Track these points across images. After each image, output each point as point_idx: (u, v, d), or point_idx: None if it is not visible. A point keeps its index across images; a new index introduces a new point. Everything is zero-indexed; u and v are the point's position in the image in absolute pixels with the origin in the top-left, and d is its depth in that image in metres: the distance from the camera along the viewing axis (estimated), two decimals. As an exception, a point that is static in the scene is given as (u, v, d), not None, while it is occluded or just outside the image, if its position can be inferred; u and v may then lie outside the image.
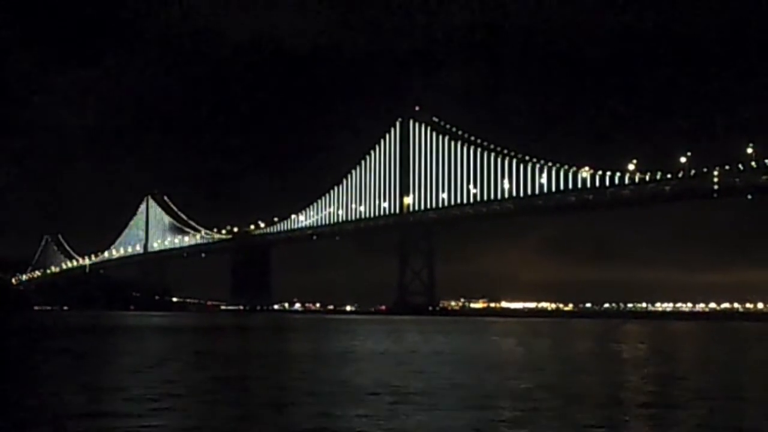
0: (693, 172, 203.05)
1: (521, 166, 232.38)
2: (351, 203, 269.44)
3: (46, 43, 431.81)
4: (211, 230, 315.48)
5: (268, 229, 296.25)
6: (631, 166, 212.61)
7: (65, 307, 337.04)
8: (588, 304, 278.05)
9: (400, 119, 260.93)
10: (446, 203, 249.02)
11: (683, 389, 33.37)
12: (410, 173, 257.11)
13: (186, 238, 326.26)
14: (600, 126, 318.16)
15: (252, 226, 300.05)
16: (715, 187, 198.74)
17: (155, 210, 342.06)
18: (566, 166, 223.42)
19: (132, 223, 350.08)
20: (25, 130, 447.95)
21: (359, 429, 22.65)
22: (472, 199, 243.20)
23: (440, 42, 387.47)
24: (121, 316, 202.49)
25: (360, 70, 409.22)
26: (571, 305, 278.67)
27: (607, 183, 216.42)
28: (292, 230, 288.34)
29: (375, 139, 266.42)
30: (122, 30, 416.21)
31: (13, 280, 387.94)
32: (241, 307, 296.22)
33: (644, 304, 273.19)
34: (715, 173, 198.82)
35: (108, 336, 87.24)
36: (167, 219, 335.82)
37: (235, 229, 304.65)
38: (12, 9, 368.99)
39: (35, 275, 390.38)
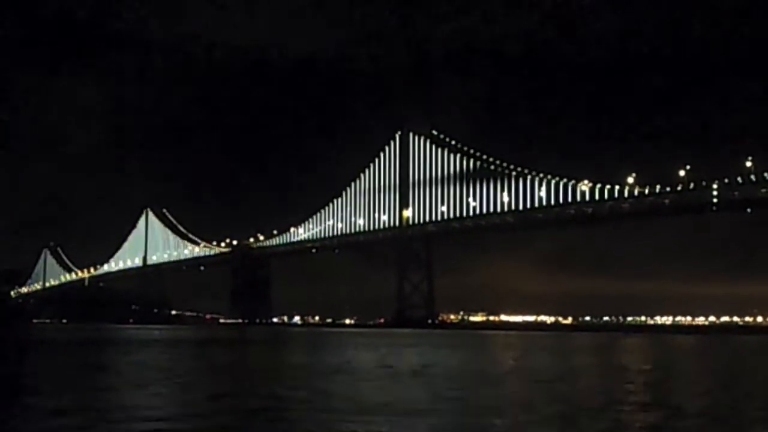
0: (692, 185, 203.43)
1: (520, 179, 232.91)
2: (350, 216, 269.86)
3: (45, 49, 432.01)
4: (210, 243, 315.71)
5: (267, 242, 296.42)
6: (630, 180, 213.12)
7: (64, 320, 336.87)
8: (587, 318, 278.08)
9: (399, 132, 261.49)
10: (445, 216, 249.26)
11: (682, 402, 33.35)
12: (409, 186, 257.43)
13: (185, 251, 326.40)
14: (599, 139, 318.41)
15: (251, 239, 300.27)
16: (714, 200, 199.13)
17: (154, 223, 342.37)
18: (565, 179, 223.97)
19: (131, 236, 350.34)
20: (22, 140, 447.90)
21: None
22: (471, 212, 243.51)
23: (438, 51, 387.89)
24: (120, 330, 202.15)
25: (359, 81, 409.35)
26: (570, 318, 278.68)
27: (607, 196, 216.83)
28: (292, 243, 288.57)
29: (374, 152, 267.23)
30: (121, 36, 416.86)
31: (12, 293, 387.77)
32: (240, 320, 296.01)
33: (644, 318, 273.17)
34: (715, 186, 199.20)
35: (107, 349, 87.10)
36: (166, 232, 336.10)
37: (234, 242, 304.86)
38: (11, 13, 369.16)
39: (34, 288, 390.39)
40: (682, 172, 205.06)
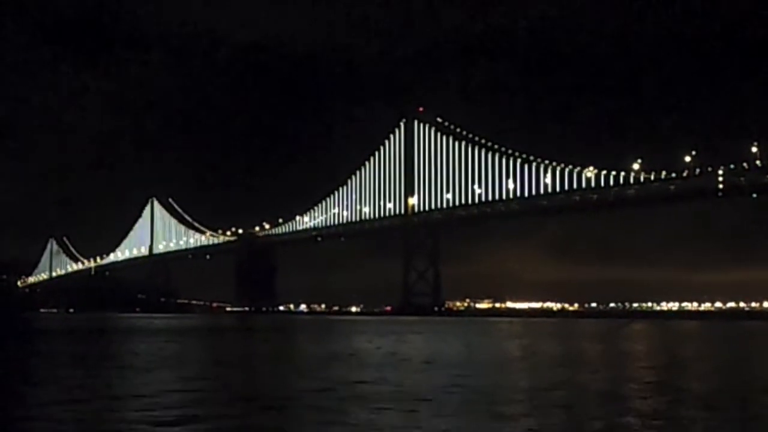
0: (698, 171, 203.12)
1: (526, 167, 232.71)
2: (355, 204, 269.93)
3: (48, 44, 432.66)
4: (216, 232, 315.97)
5: (272, 231, 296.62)
6: (635, 166, 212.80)
7: (71, 310, 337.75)
8: (593, 304, 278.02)
9: (404, 120, 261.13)
10: (451, 204, 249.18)
11: (687, 386, 33.50)
12: (415, 174, 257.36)
13: (191, 240, 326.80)
14: (604, 126, 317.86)
15: (257, 228, 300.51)
16: (720, 186, 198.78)
17: (160, 212, 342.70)
18: (570, 166, 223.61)
19: (137, 225, 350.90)
20: (28, 131, 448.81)
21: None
22: (476, 200, 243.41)
23: (443, 42, 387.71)
24: (127, 319, 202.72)
25: (364, 70, 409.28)
26: (576, 305, 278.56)
27: (612, 183, 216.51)
28: (297, 231, 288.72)
29: (379, 140, 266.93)
30: (123, 31, 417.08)
31: (19, 283, 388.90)
32: (247, 309, 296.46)
33: (649, 304, 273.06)
34: (720, 173, 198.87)
35: (113, 338, 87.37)
36: (172, 221, 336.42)
37: (240, 231, 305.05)
38: (12, 9, 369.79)
39: (41, 278, 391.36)
40: (687, 158, 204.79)
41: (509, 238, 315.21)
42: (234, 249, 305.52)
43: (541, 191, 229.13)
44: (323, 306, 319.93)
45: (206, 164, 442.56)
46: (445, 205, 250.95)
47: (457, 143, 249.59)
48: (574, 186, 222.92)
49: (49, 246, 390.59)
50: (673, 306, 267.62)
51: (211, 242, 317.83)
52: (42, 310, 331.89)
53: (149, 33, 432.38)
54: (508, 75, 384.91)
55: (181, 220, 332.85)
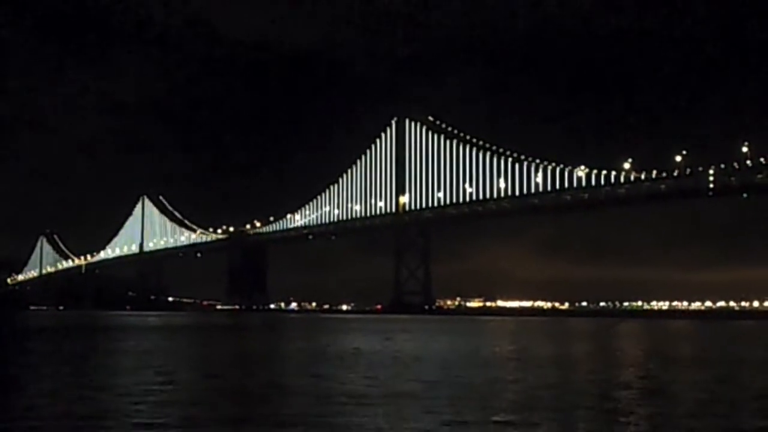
0: (688, 171, 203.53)
1: (517, 165, 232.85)
2: (347, 202, 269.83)
3: (46, 43, 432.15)
4: (207, 230, 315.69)
5: (264, 229, 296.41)
6: (626, 165, 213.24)
7: (61, 307, 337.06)
8: (584, 303, 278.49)
9: (396, 118, 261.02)
10: (442, 202, 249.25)
11: (675, 387, 33.52)
12: (406, 172, 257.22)
13: (182, 238, 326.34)
14: (596, 126, 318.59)
15: (248, 226, 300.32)
16: (711, 186, 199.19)
17: (151, 209, 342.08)
18: (562, 165, 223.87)
19: (128, 222, 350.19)
20: (21, 129, 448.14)
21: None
22: (468, 198, 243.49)
23: (438, 42, 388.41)
24: (118, 316, 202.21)
25: (357, 70, 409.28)
26: (567, 304, 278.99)
27: (603, 182, 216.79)
28: (288, 229, 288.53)
29: (371, 138, 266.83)
30: (121, 30, 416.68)
31: (9, 280, 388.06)
32: (237, 307, 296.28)
33: (640, 303, 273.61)
34: (711, 172, 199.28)
35: (102, 336, 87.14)
36: (163, 218, 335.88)
37: (231, 229, 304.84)
38: (12, 9, 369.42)
39: (31, 275, 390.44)
40: (678, 158, 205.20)
41: (500, 237, 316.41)
42: (225, 247, 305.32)
43: (533, 190, 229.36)
44: (314, 304, 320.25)
45: (201, 163, 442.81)
46: (436, 204, 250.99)
47: (448, 142, 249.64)
48: (566, 185, 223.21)
49: (39, 243, 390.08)
50: (664, 305, 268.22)
51: (202, 240, 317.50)
52: (32, 308, 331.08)
53: (149, 32, 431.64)
54: (501, 75, 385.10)
55: (172, 218, 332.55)
